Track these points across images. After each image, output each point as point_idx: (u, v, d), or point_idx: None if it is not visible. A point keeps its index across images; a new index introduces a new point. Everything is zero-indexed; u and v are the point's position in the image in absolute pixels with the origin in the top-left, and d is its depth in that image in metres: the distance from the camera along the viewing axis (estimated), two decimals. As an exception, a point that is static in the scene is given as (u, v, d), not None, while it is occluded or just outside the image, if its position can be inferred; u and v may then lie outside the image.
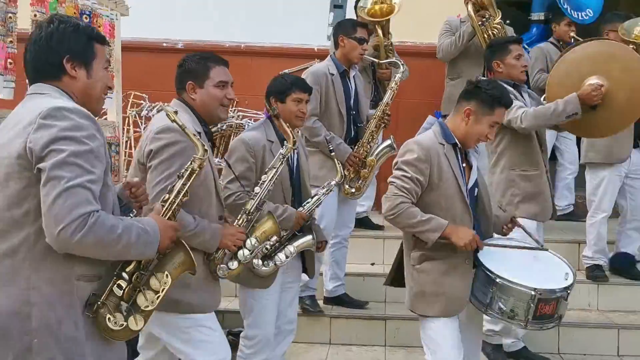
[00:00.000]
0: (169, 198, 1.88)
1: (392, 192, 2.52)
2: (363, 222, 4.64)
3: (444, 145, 2.58)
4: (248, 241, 2.45)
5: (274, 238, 2.58)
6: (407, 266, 2.65)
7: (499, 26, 4.40)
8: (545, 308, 2.42)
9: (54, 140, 1.58)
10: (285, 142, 2.65)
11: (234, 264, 2.43)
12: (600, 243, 4.06)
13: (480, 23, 4.35)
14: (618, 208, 4.23)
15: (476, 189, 2.67)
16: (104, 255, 1.66)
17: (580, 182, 4.74)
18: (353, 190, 3.80)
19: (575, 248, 4.28)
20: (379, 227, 4.63)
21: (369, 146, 3.82)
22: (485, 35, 4.35)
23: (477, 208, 2.67)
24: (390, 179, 2.59)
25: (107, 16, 3.54)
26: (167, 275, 1.79)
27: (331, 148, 3.23)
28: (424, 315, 2.59)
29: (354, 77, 3.88)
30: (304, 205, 2.84)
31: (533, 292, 2.39)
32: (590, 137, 3.87)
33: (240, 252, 2.44)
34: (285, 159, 2.59)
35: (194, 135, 2.02)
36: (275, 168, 2.57)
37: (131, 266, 1.73)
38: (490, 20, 4.37)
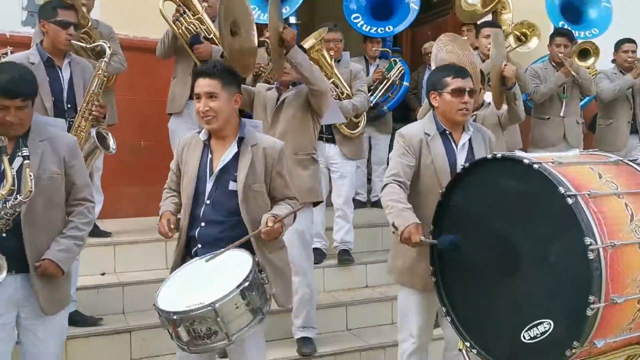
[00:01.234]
0: None
1: None
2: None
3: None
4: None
5: None
6: None
7: (196, 22, 4.18)
8: (198, 327, 2.19)
9: None
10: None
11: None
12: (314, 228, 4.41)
13: (174, 19, 4.13)
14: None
15: None
16: None
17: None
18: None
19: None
20: (107, 234, 4.28)
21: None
22: (180, 31, 4.19)
23: None
24: None
25: None
26: None
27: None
28: None
29: (69, 64, 3.45)
30: None
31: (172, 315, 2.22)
32: None
33: None
34: None
35: None
36: None
37: None
38: (186, 15, 4.15)
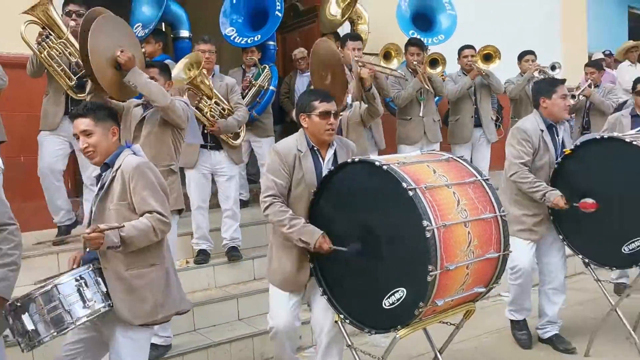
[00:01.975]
0: None
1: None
2: None
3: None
4: None
5: None
6: None
7: (61, 45, 4.24)
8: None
9: None
10: None
11: None
12: (199, 231, 4.72)
13: (38, 42, 4.18)
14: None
15: None
16: None
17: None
18: None
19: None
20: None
21: None
22: (43, 55, 4.20)
23: None
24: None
25: None
26: None
27: None
28: None
29: None
30: None
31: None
32: None
33: None
34: None
35: None
36: None
37: None
38: (51, 38, 4.22)
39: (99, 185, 2.75)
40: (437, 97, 6.29)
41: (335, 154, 3.15)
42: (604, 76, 8.20)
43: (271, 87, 5.85)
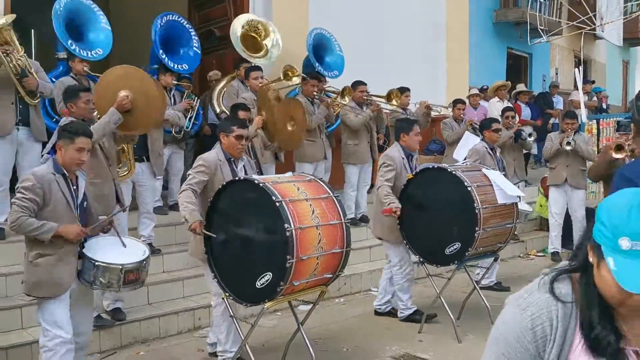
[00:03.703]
0: None
1: (14, 210, 3.39)
2: None
3: (54, 175, 3.50)
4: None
5: None
6: (26, 262, 3.54)
7: (22, 58, 4.98)
8: (131, 276, 3.66)
9: None
10: None
11: None
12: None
13: (5, 54, 4.87)
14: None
15: (85, 202, 3.73)
16: None
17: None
18: None
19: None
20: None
21: None
22: (11, 65, 4.90)
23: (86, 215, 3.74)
24: (12, 200, 3.48)
25: None
26: None
27: None
28: (40, 298, 3.51)
29: None
30: None
31: (120, 267, 3.59)
32: (136, 132, 4.85)
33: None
34: None
35: None
36: None
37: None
38: (12, 54, 4.91)
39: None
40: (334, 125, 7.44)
41: (244, 166, 4.24)
42: (479, 109, 9.75)
43: (200, 112, 6.89)
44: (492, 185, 4.77)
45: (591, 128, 8.94)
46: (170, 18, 6.78)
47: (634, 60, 21.33)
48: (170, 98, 6.55)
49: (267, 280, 3.69)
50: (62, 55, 6.33)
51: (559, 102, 11.59)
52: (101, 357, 4.52)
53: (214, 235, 3.91)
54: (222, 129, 4.29)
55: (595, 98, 12.16)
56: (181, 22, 6.88)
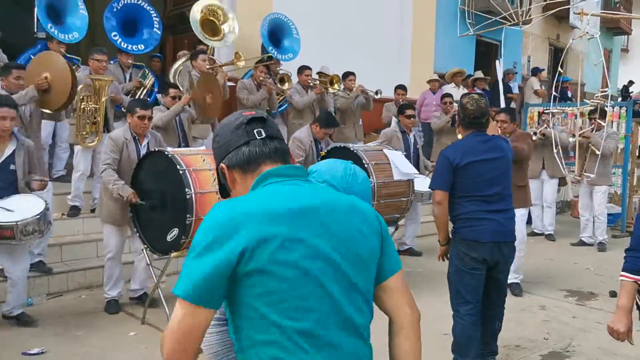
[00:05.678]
0: None
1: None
2: None
3: None
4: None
5: None
6: None
7: None
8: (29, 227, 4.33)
9: None
10: None
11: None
12: (76, 192, 6.35)
13: None
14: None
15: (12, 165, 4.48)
16: None
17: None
18: None
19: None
20: None
21: None
22: None
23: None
24: None
25: None
26: None
27: None
28: None
29: None
30: None
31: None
32: (50, 109, 5.66)
33: None
34: None
35: None
36: None
37: None
38: None
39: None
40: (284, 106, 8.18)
41: (148, 143, 4.93)
42: (437, 94, 10.39)
43: (155, 89, 7.58)
44: (389, 163, 5.49)
45: (533, 116, 9.58)
46: (130, 1, 7.40)
47: (617, 49, 21.73)
48: (126, 77, 7.30)
49: (174, 235, 4.46)
50: (42, 35, 7.03)
51: (514, 88, 12.22)
52: (48, 298, 5.34)
53: (144, 203, 4.66)
54: (128, 109, 4.93)
55: (543, 87, 12.75)
56: (141, 4, 7.49)
